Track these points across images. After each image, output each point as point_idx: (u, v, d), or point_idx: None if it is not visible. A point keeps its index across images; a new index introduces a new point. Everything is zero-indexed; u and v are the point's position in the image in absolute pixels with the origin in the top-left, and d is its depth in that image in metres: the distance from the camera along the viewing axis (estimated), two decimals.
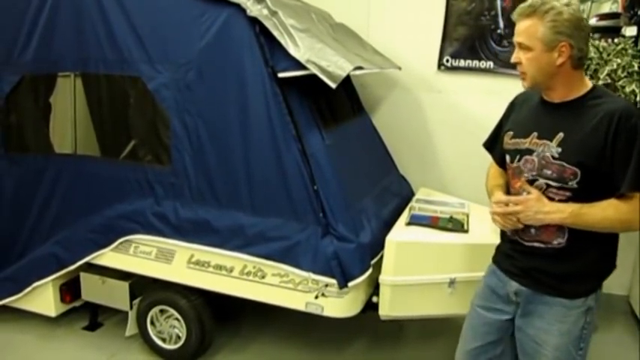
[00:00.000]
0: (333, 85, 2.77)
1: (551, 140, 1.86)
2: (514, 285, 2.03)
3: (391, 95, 4.26)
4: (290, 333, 3.69)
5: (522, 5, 1.85)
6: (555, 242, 1.91)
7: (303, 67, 2.79)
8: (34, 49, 3.30)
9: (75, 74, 3.24)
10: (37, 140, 3.41)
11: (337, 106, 3.45)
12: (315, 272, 2.85)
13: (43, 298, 3.53)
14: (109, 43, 3.09)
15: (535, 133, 1.91)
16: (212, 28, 2.89)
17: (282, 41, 2.79)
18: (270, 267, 2.93)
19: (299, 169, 2.83)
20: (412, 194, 3.86)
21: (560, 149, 1.83)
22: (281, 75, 2.82)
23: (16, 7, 3.31)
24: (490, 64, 3.88)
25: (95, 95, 3.21)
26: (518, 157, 1.97)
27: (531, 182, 1.92)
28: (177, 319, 3.28)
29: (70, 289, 3.55)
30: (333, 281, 2.82)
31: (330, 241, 2.82)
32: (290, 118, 2.84)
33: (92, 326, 3.71)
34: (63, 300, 3.55)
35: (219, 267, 3.04)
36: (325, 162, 2.92)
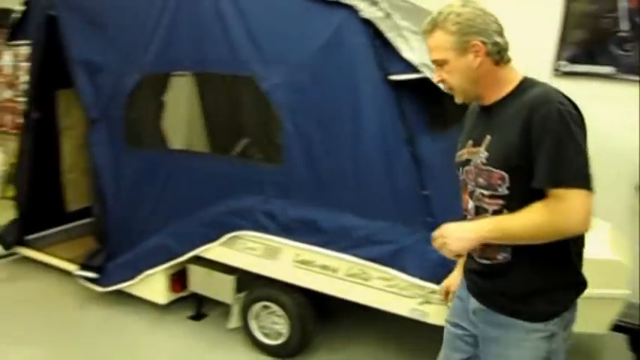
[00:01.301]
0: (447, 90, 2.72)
1: (481, 146, 1.71)
2: (473, 303, 1.87)
3: None
4: (389, 336, 3.67)
5: (423, 24, 1.75)
6: (500, 257, 1.72)
7: (417, 71, 2.75)
8: (155, 50, 3.47)
9: (191, 74, 3.36)
10: (153, 136, 3.58)
11: (446, 111, 3.38)
12: (421, 278, 2.81)
13: (154, 286, 3.70)
14: (224, 43, 3.19)
15: (470, 142, 1.78)
16: (326, 29, 2.91)
17: (396, 44, 2.77)
18: (376, 270, 2.91)
19: (409, 172, 2.80)
20: None
21: (487, 153, 1.68)
22: (393, 78, 2.80)
23: (139, 11, 3.49)
24: (611, 69, 3.68)
25: (209, 94, 3.32)
26: (461, 169, 1.82)
27: (471, 194, 1.77)
28: (279, 315, 3.33)
29: (179, 280, 3.70)
30: (440, 288, 2.76)
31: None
32: (402, 122, 2.81)
33: (197, 316, 3.85)
34: (172, 289, 3.71)
35: (324, 267, 3.06)
36: (436, 167, 2.87)
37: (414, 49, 2.76)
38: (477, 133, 1.76)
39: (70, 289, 4.16)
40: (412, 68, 2.76)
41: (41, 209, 4.51)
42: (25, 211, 4.41)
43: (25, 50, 6.18)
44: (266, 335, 3.44)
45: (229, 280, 3.46)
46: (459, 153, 1.85)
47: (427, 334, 3.30)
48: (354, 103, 2.89)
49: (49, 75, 4.20)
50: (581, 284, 1.74)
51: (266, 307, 3.39)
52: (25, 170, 4.32)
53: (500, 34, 1.71)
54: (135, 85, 3.59)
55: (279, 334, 3.37)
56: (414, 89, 2.92)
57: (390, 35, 2.78)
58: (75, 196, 4.75)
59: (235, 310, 3.53)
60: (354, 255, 2.94)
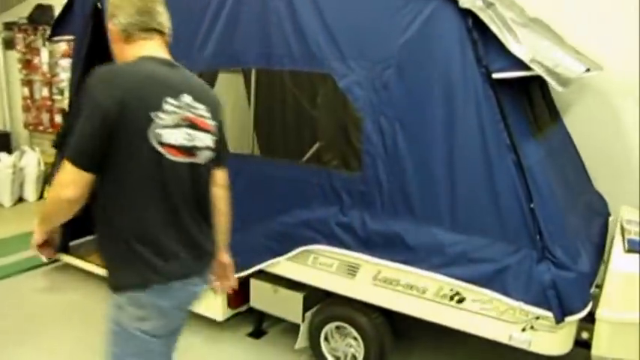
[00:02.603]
0: (561, 89, 2.39)
1: None
2: None
3: (583, 100, 3.76)
4: (469, 358, 3.35)
5: None
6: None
7: (524, 67, 2.42)
8: (214, 44, 3.17)
9: (255, 70, 3.05)
10: None
11: (539, 112, 3.04)
12: (526, 302, 2.49)
13: (210, 301, 3.41)
14: (296, 37, 2.87)
15: None
16: (416, 21, 2.58)
17: (502, 37, 2.42)
18: (471, 291, 2.59)
19: (513, 183, 2.47)
20: (608, 212, 3.39)
21: None
22: (496, 76, 2.46)
23: (197, 2, 3.18)
24: None
25: (274, 93, 3.00)
26: None
27: None
28: (355, 337, 3.02)
29: (237, 294, 3.39)
30: (548, 314, 2.45)
31: (546, 268, 2.45)
32: (504, 125, 2.47)
33: (257, 333, 3.56)
34: (230, 305, 3.42)
35: (409, 287, 2.74)
36: (542, 176, 2.55)
37: (522, 43, 2.42)
38: None
39: None
40: (518, 65, 2.42)
41: (86, 214, 4.23)
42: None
43: (63, 47, 6.00)
44: (338, 358, 3.13)
45: (298, 298, 3.16)
46: None
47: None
48: (448, 104, 2.56)
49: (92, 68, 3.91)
50: (149, 272, 1.78)
51: (340, 327, 3.08)
52: None
53: (131, 15, 1.82)
54: None
55: (354, 358, 3.06)
56: (515, 89, 2.59)
57: (494, 27, 2.44)
58: None
59: (303, 330, 3.22)
60: (447, 274, 2.62)
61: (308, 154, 2.95)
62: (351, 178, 2.82)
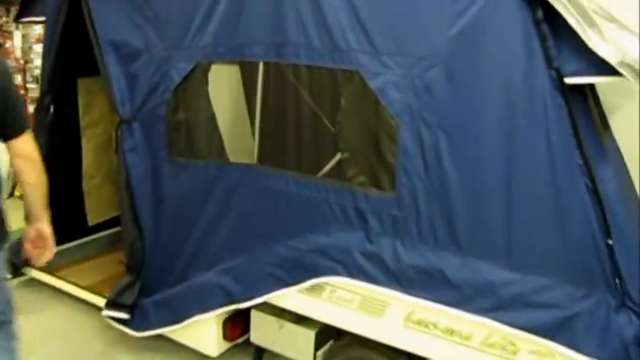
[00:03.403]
0: None
1: None
2: None
3: (630, 105, 3.28)
4: None
5: None
6: None
7: (606, 71, 1.93)
8: (215, 32, 2.64)
9: (264, 63, 2.52)
10: (208, 144, 2.76)
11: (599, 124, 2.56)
12: (599, 358, 2.01)
13: (204, 333, 2.92)
14: (316, 25, 2.36)
15: None
16: (470, 9, 2.09)
17: (582, 33, 1.93)
18: (528, 342, 2.13)
19: (586, 213, 2.01)
20: None
21: None
22: (570, 81, 1.98)
23: None
24: None
25: (290, 91, 2.48)
26: None
27: None
28: None
29: (234, 325, 2.91)
30: None
31: (627, 318, 2.00)
32: (577, 142, 2.00)
33: None
34: (226, 337, 2.92)
35: (450, 331, 2.27)
36: (620, 205, 2.08)
37: (608, 41, 1.92)
38: None
39: (91, 324, 3.37)
40: (599, 67, 1.93)
41: (57, 223, 3.68)
42: None
43: (38, 30, 5.39)
44: None
45: (309, 336, 2.66)
46: None
47: None
48: (507, 113, 2.08)
49: (69, 60, 3.36)
50: None
51: None
52: None
53: None
54: (184, 77, 2.75)
55: None
56: (583, 95, 2.11)
57: (572, 19, 1.94)
58: (97, 207, 3.93)
59: None
60: (498, 320, 2.16)
61: (326, 168, 2.44)
62: (381, 200, 2.33)
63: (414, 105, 2.21)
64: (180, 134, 2.82)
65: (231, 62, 2.64)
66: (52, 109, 3.45)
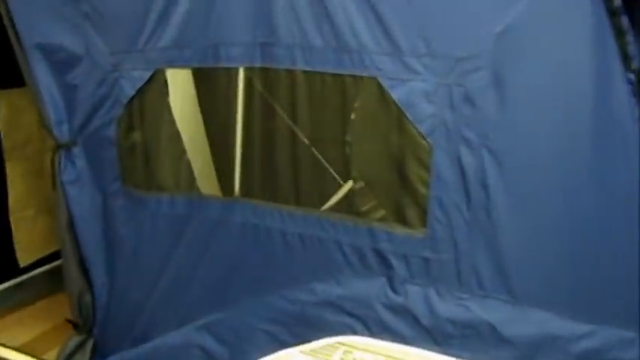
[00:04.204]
0: None
1: None
2: None
3: None
4: None
5: None
6: None
7: None
8: (178, 29, 2.07)
9: (246, 69, 1.99)
10: (174, 172, 2.19)
11: None
12: None
13: None
14: (315, 19, 1.84)
15: None
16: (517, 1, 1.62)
17: None
18: None
19: None
20: None
21: None
22: None
23: None
24: None
25: (282, 104, 1.96)
26: None
27: None
28: None
29: None
30: None
31: None
32: None
33: None
34: None
35: None
36: None
37: None
38: None
39: None
40: None
41: None
42: None
43: None
44: None
45: None
46: None
47: None
48: (572, 131, 1.63)
49: None
50: None
51: None
52: None
53: None
54: (139, 88, 2.17)
55: None
56: None
57: None
58: (30, 244, 3.26)
59: None
60: None
61: (334, 200, 1.93)
62: (409, 239, 1.85)
63: (451, 120, 1.73)
64: (136, 160, 2.24)
65: (199, 69, 2.07)
66: None
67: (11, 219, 3.13)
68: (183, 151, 2.17)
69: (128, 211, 2.28)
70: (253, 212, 2.05)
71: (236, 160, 2.06)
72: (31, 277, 3.37)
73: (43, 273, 3.44)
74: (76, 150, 2.35)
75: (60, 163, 2.35)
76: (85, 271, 2.43)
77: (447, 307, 1.83)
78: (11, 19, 2.30)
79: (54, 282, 3.37)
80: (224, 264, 2.12)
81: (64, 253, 2.43)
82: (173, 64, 2.11)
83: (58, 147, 2.35)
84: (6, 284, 3.25)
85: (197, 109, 2.13)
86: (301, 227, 1.99)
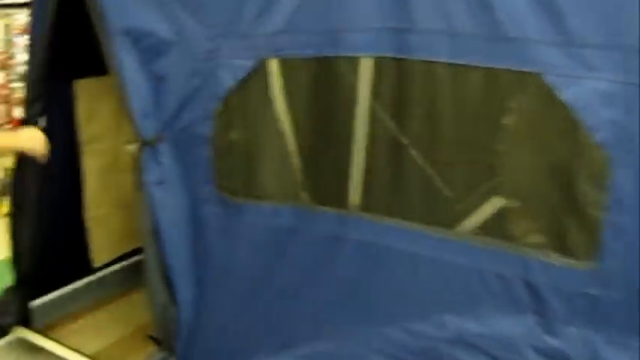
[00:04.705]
0: None
1: None
2: None
3: None
4: None
5: None
6: None
7: None
8: (288, 12, 1.77)
9: (373, 59, 1.67)
10: (278, 178, 1.91)
11: None
12: None
13: None
14: (465, 3, 1.50)
15: None
16: None
17: None
18: None
19: None
20: None
21: None
22: None
23: None
24: None
25: (416, 102, 1.63)
26: None
27: None
28: None
29: None
30: None
31: None
32: None
33: None
34: None
35: None
36: None
37: None
38: None
39: None
40: None
41: (53, 267, 2.83)
42: (29, 273, 2.70)
43: (22, 19, 4.41)
44: None
45: None
46: None
47: None
48: None
49: (61, 55, 2.48)
50: None
51: None
52: (29, 206, 2.61)
53: None
54: (240, 79, 1.88)
55: None
56: None
57: None
58: (105, 243, 3.05)
59: None
60: None
61: (477, 219, 1.60)
62: (571, 271, 1.51)
63: (635, 128, 1.37)
64: (233, 162, 1.97)
65: (313, 58, 1.77)
66: (41, 122, 2.56)
67: (86, 217, 2.93)
68: (289, 155, 1.87)
69: (221, 219, 2.01)
70: (373, 229, 1.75)
71: (353, 168, 1.76)
72: (106, 276, 3.17)
73: (119, 270, 3.25)
74: (163, 147, 2.09)
75: (144, 161, 2.09)
76: (169, 283, 2.17)
77: (616, 356, 1.48)
78: (97, 3, 2.06)
79: (130, 280, 3.19)
80: (335, 286, 1.83)
81: (147, 261, 2.19)
82: (282, 53, 1.82)
83: (143, 143, 2.10)
84: (79, 283, 3.07)
85: (306, 105, 1.83)
86: (434, 250, 1.67)
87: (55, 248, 2.80)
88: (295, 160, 1.87)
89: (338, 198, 1.81)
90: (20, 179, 2.62)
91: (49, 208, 2.72)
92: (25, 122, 2.58)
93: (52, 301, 2.96)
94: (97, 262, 3.02)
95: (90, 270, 3.06)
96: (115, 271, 3.22)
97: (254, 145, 1.92)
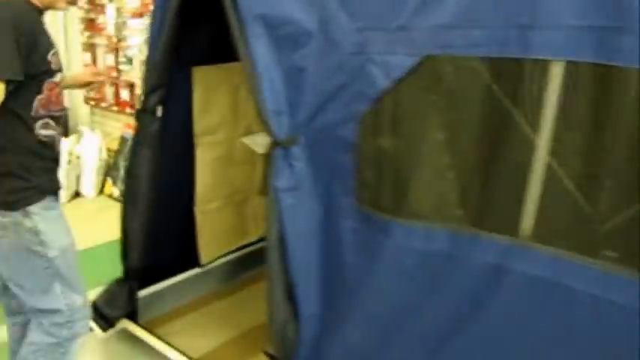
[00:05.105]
0: None
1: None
2: None
3: None
4: None
5: None
6: None
7: None
8: (459, 3, 1.47)
9: (567, 65, 1.35)
10: (437, 197, 1.63)
11: None
12: None
13: None
14: None
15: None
16: None
17: None
18: None
19: None
20: None
21: None
22: None
23: None
24: None
25: (624, 120, 1.30)
26: (56, 76, 1.83)
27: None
28: None
29: None
30: None
31: None
32: None
33: None
34: None
35: None
36: None
37: None
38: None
39: None
40: None
41: (162, 260, 2.70)
42: (137, 266, 2.58)
43: (134, 2, 4.35)
44: None
45: None
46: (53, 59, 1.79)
47: None
48: None
49: (180, 39, 2.31)
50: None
51: None
52: (140, 197, 2.47)
53: None
54: (395, 79, 1.61)
55: None
56: None
57: None
58: (213, 240, 2.90)
59: None
60: None
61: None
62: None
63: None
64: (381, 174, 1.71)
65: (490, 60, 1.47)
66: (159, 111, 2.41)
67: (196, 211, 2.77)
68: (449, 170, 1.59)
69: (361, 236, 1.77)
70: (548, 263, 1.44)
71: (529, 191, 1.45)
72: (211, 270, 3.03)
73: (224, 264, 3.10)
74: (297, 150, 1.87)
75: (275, 163, 1.87)
76: (292, 298, 1.96)
77: None
78: None
79: (236, 276, 3.04)
80: (503, 327, 1.54)
81: (269, 272, 1.98)
82: (451, 51, 1.52)
83: (275, 144, 1.87)
84: (185, 275, 2.94)
85: (475, 114, 1.53)
86: (625, 296, 1.34)
87: (165, 241, 2.68)
88: (455, 177, 1.59)
89: (506, 224, 1.52)
90: (133, 169, 2.49)
91: (162, 200, 2.58)
92: (141, 111, 2.44)
93: (159, 295, 2.85)
94: (205, 260, 2.87)
95: (193, 263, 2.92)
96: (221, 265, 3.08)
97: (408, 156, 1.65)
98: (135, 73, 4.46)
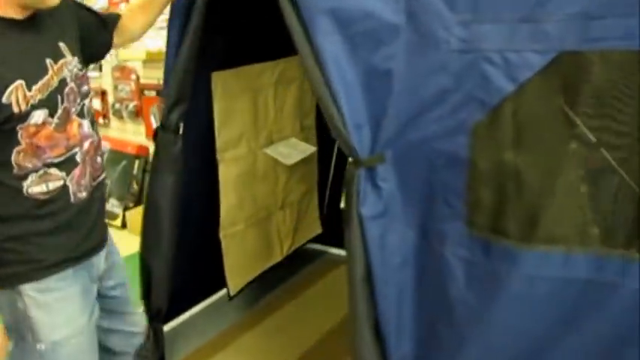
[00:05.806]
0: None
1: (65, 56, 1.49)
2: None
3: None
4: None
5: None
6: None
7: None
8: None
9: None
10: (575, 217, 1.38)
11: None
12: None
13: None
14: None
15: (49, 60, 1.43)
16: None
17: None
18: None
19: None
20: None
21: (76, 57, 1.54)
22: None
23: None
24: None
25: None
26: (58, 98, 1.44)
27: (82, 114, 1.54)
28: None
29: None
30: None
31: None
32: None
33: None
34: None
35: None
36: None
37: None
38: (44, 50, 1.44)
39: None
40: None
41: (184, 290, 2.37)
42: (163, 307, 2.23)
43: (100, 3, 3.83)
44: None
45: None
46: (42, 83, 1.40)
47: None
48: None
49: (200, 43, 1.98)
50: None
51: None
52: (163, 231, 2.12)
53: None
54: (522, 81, 1.34)
55: None
56: None
57: None
58: (239, 267, 2.57)
59: None
60: None
61: None
62: None
63: None
64: (504, 194, 1.43)
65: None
66: (181, 128, 2.05)
67: (221, 236, 2.43)
68: (587, 186, 1.34)
69: (476, 267, 1.50)
70: None
71: None
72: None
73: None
74: (383, 169, 1.57)
75: (358, 187, 1.57)
76: (380, 338, 1.68)
77: None
78: None
79: (257, 300, 2.73)
80: None
81: (354, 311, 1.69)
82: (597, 45, 1.26)
83: (356, 163, 1.58)
84: (199, 307, 2.60)
85: (624, 120, 1.29)
86: None
87: (190, 276, 2.33)
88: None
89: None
90: (153, 198, 2.13)
91: (187, 226, 2.24)
92: (162, 130, 2.08)
93: (181, 333, 2.51)
94: (233, 291, 2.54)
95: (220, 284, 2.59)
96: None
97: (540, 171, 1.38)
98: (106, 80, 4.02)
